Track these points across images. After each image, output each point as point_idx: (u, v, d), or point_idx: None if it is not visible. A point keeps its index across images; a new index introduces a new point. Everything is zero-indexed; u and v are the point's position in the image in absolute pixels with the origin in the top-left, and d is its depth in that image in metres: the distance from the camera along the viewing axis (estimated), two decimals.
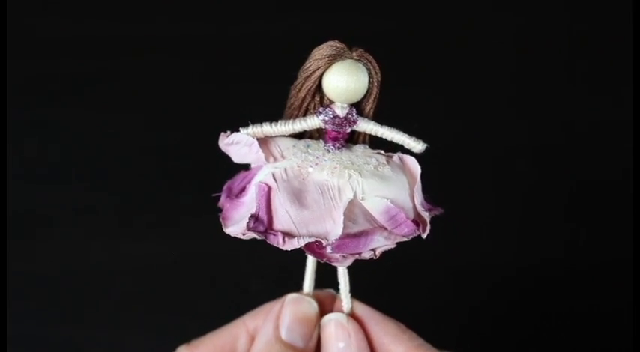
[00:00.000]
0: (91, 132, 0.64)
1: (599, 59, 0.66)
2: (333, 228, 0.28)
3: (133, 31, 0.65)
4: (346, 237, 0.28)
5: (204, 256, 0.59)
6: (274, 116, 0.31)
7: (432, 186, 0.31)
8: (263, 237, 0.28)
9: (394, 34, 0.65)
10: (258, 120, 0.31)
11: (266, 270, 0.57)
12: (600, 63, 0.66)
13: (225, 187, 0.32)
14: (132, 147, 0.63)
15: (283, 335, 0.33)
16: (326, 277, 0.35)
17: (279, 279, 0.35)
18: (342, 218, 0.28)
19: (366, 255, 0.29)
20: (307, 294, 0.35)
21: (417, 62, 0.64)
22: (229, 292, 0.59)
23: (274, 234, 0.28)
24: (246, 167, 0.32)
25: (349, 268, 0.34)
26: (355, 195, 0.29)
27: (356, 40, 0.30)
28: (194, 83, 0.65)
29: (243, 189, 0.31)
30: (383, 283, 0.58)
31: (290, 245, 0.28)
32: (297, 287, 0.35)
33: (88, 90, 0.65)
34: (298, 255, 0.34)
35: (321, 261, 0.29)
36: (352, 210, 0.29)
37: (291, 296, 0.34)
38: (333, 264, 0.29)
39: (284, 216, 0.28)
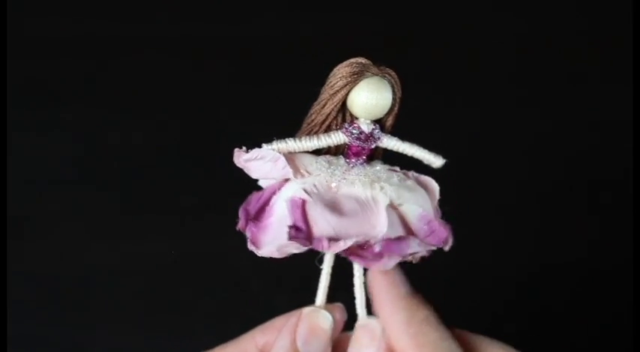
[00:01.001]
0: (91, 132, 0.64)
1: (599, 59, 0.66)
2: (375, 230, 0.28)
3: (133, 31, 0.65)
4: (388, 240, 0.28)
5: (204, 256, 0.59)
6: (275, 116, 0.31)
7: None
8: (307, 246, 0.28)
9: (392, 34, 0.65)
10: (259, 120, 0.31)
11: (266, 270, 0.57)
12: (601, 63, 0.66)
13: (241, 210, 0.31)
14: (132, 146, 0.63)
15: (300, 347, 0.33)
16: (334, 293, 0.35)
17: (279, 279, 0.35)
18: (385, 218, 0.28)
19: (409, 257, 0.29)
20: (321, 307, 0.35)
21: (417, 63, 0.64)
22: (229, 292, 0.59)
23: (318, 239, 0.28)
24: (239, 175, 0.32)
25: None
26: (391, 202, 0.29)
27: (355, 41, 0.30)
28: (194, 83, 0.65)
29: (260, 210, 0.31)
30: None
31: (336, 247, 0.28)
32: (297, 287, 0.35)
33: (88, 90, 0.65)
34: (299, 255, 0.34)
35: (362, 265, 0.29)
36: (390, 215, 0.29)
37: (308, 310, 0.34)
38: (374, 267, 0.29)
39: (324, 224, 0.28)
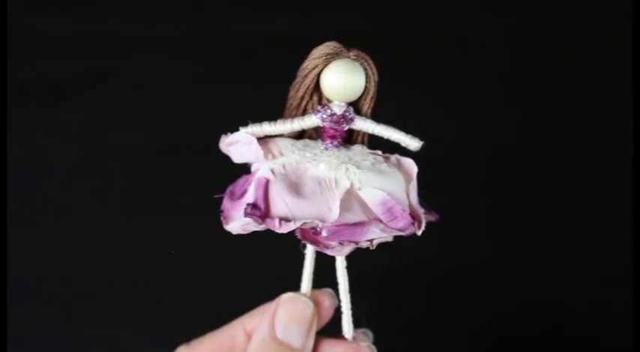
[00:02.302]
0: (91, 131, 0.64)
1: (597, 59, 0.66)
2: (329, 213, 0.28)
3: (132, 31, 0.65)
4: (343, 225, 0.29)
5: (204, 256, 0.59)
6: (274, 116, 0.32)
7: (428, 185, 0.32)
8: (260, 224, 0.28)
9: (391, 34, 0.65)
10: (259, 120, 0.31)
11: (266, 270, 0.57)
12: (599, 62, 0.66)
13: (227, 191, 0.32)
14: (132, 146, 0.63)
15: (279, 334, 0.33)
16: (324, 278, 0.35)
17: (279, 279, 0.35)
18: (338, 203, 0.28)
19: (363, 244, 0.29)
20: (304, 294, 0.35)
21: (411, 62, 0.64)
22: (229, 292, 0.59)
23: (271, 219, 0.28)
24: (247, 171, 0.33)
25: (349, 269, 0.34)
26: (352, 185, 0.29)
27: (354, 41, 0.30)
28: (194, 83, 0.65)
29: (245, 192, 0.31)
30: (379, 284, 0.58)
31: (286, 227, 0.28)
32: (298, 287, 0.35)
33: (88, 90, 0.65)
34: (299, 255, 0.34)
35: (317, 249, 0.29)
36: (349, 199, 0.29)
37: (286, 296, 0.34)
38: (329, 253, 0.30)
39: (281, 204, 0.29)
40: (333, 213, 0.28)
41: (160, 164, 0.63)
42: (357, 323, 0.36)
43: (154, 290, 0.60)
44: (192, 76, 0.65)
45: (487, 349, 0.59)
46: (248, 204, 0.29)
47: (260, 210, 0.29)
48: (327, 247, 0.29)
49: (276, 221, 0.28)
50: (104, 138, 0.64)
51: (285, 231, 0.28)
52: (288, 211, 0.29)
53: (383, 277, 0.56)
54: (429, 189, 0.32)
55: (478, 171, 0.64)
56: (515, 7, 0.66)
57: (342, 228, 0.29)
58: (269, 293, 0.36)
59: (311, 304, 0.34)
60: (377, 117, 0.32)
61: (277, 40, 0.64)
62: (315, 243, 0.29)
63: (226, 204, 0.31)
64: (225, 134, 0.31)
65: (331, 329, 0.36)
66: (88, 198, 0.62)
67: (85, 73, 0.65)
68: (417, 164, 0.31)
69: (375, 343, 0.35)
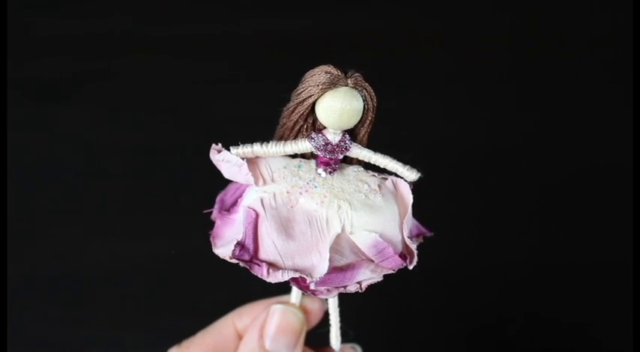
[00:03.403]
0: (91, 131, 0.64)
1: (597, 59, 0.66)
2: (319, 262, 0.27)
3: (132, 31, 0.65)
4: (332, 270, 0.28)
5: (204, 256, 0.59)
6: (274, 116, 0.31)
7: (429, 186, 0.31)
8: (247, 268, 0.28)
9: (388, 34, 0.65)
10: (259, 120, 0.30)
11: None
12: (599, 63, 0.66)
13: (217, 199, 0.31)
14: (132, 146, 0.63)
15: (267, 345, 0.33)
16: None
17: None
18: (329, 254, 0.27)
19: (352, 288, 0.28)
20: (294, 305, 0.35)
21: (412, 62, 0.64)
22: (229, 292, 0.59)
23: (259, 265, 0.28)
24: None
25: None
26: (343, 229, 0.28)
27: (352, 41, 0.30)
28: (194, 83, 0.65)
29: (235, 202, 0.30)
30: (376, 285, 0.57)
31: (274, 278, 0.27)
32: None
33: (88, 90, 0.65)
34: None
35: (306, 294, 0.29)
36: (339, 242, 0.28)
37: (275, 307, 0.34)
38: (317, 296, 0.29)
39: (270, 245, 0.28)
40: (323, 266, 0.27)
41: (159, 164, 0.63)
42: (344, 338, 0.36)
43: (153, 291, 0.60)
44: (192, 76, 0.65)
45: (487, 349, 0.59)
46: (236, 244, 0.28)
47: (249, 252, 0.28)
48: (314, 293, 0.28)
49: (264, 269, 0.27)
50: (104, 138, 0.64)
51: (272, 281, 0.27)
52: (278, 255, 0.28)
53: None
54: (431, 190, 0.31)
55: (477, 172, 0.64)
56: (519, 9, 0.67)
57: (332, 276, 0.28)
58: (269, 294, 0.36)
59: (301, 315, 0.34)
60: (378, 117, 0.30)
61: (278, 40, 0.64)
62: (303, 289, 0.28)
63: (217, 217, 0.30)
64: (216, 144, 0.30)
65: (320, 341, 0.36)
66: (88, 198, 0.62)
67: (85, 73, 0.65)
68: (417, 168, 0.30)
69: (373, 344, 0.36)
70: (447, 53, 0.66)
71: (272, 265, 0.28)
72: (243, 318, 0.36)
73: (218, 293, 0.60)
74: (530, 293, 0.61)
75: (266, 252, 0.28)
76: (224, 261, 0.29)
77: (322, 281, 0.28)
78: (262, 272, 0.27)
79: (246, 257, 0.28)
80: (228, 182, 0.32)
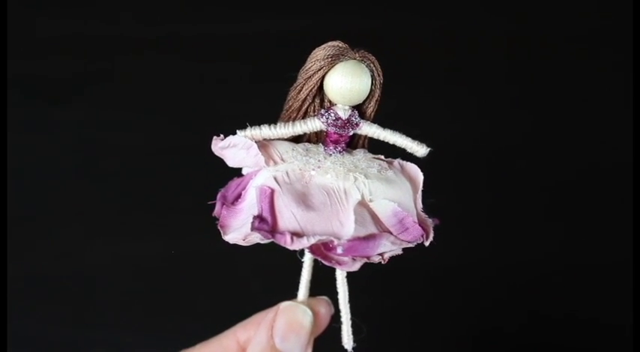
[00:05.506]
0: (91, 131, 0.64)
1: (598, 58, 0.66)
2: (341, 229, 0.27)
3: (133, 32, 0.65)
4: (356, 239, 0.27)
5: (204, 256, 0.59)
6: (274, 116, 0.31)
7: (432, 185, 0.31)
8: (268, 238, 0.27)
9: (389, 34, 0.65)
10: (258, 120, 0.30)
11: (265, 271, 0.57)
12: (600, 64, 0.66)
13: (219, 196, 0.31)
14: (132, 146, 0.63)
15: (277, 343, 0.32)
16: (320, 287, 0.35)
17: (278, 280, 0.35)
18: (352, 217, 0.27)
19: (375, 259, 0.27)
20: (302, 302, 0.34)
21: (413, 63, 0.64)
22: (229, 292, 0.59)
23: (281, 234, 0.26)
24: (237, 173, 0.31)
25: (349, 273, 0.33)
26: (363, 197, 0.28)
27: (354, 41, 0.30)
28: (194, 83, 0.65)
29: (238, 196, 0.30)
30: (376, 283, 0.57)
31: (299, 244, 0.26)
32: (297, 287, 0.35)
33: (88, 90, 0.65)
34: (298, 256, 0.34)
35: (327, 264, 0.28)
36: (360, 212, 0.27)
37: (285, 304, 0.33)
38: (340, 267, 0.28)
39: (290, 217, 0.27)
40: (348, 229, 0.27)
41: (159, 164, 0.63)
42: (357, 334, 0.35)
43: (153, 290, 0.60)
44: (192, 76, 0.65)
45: (491, 350, 0.59)
46: (255, 217, 0.27)
47: (267, 224, 0.27)
48: (338, 263, 0.27)
49: (288, 237, 0.26)
50: (104, 138, 0.63)
51: (297, 248, 0.27)
52: (298, 225, 0.27)
53: (385, 278, 0.55)
54: (433, 190, 0.31)
55: (482, 172, 0.64)
56: (520, 9, 0.66)
57: (356, 244, 0.27)
58: (268, 294, 0.35)
59: (309, 312, 0.33)
60: (380, 117, 0.31)
61: (277, 39, 0.64)
62: (325, 258, 0.27)
63: (221, 210, 0.29)
64: (218, 136, 0.30)
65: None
66: (88, 198, 0.62)
67: (85, 73, 0.65)
68: (421, 165, 0.30)
69: (378, 344, 0.35)
70: (448, 53, 0.66)
71: (295, 234, 0.26)
72: (246, 330, 0.35)
73: (218, 293, 0.60)
74: (531, 293, 0.61)
75: (285, 223, 0.27)
76: (224, 261, 0.28)
77: (347, 249, 0.27)
78: (285, 240, 0.26)
79: (266, 228, 0.27)
80: (228, 181, 0.32)
